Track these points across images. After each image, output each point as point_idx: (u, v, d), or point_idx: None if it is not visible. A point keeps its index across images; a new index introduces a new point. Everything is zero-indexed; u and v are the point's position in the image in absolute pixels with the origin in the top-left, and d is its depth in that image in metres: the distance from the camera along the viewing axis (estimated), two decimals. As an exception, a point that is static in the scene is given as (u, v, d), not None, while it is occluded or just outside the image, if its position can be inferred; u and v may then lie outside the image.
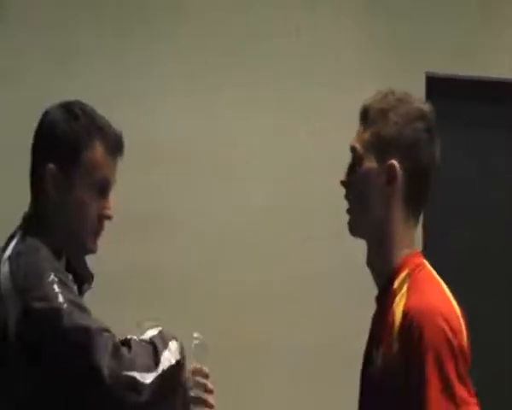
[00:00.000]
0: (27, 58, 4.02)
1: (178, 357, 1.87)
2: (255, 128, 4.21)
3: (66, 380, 1.75)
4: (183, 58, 4.18)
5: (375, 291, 1.93)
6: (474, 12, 4.50)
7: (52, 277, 1.77)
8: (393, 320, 1.73)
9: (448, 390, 1.64)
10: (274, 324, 4.12)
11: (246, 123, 4.20)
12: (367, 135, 1.84)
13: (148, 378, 1.74)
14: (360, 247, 1.97)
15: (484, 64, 4.46)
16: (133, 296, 3.97)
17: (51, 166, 1.90)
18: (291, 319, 4.11)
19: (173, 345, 1.89)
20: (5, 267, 1.84)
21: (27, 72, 4.00)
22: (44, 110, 1.99)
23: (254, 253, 4.15)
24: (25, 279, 1.79)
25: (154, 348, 1.81)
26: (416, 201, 1.86)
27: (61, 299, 1.74)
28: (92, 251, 1.98)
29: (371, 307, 1.95)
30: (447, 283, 1.86)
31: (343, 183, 1.88)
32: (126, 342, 1.80)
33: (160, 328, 1.94)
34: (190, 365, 2.03)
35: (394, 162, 1.80)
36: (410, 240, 1.85)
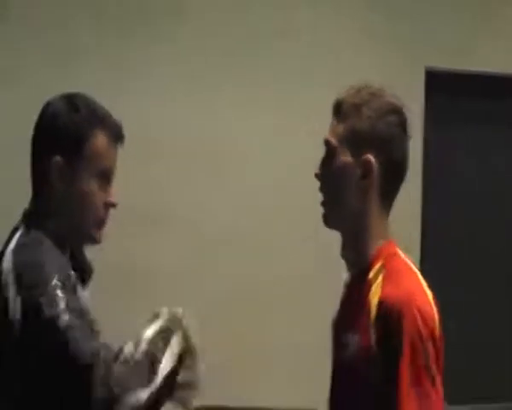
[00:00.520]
0: (27, 58, 4.03)
1: (176, 351, 1.86)
2: (255, 127, 4.23)
3: (54, 395, 1.75)
4: (184, 58, 4.20)
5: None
6: (473, 8, 4.51)
7: (55, 281, 1.76)
8: (370, 309, 1.77)
9: (417, 381, 1.70)
10: (274, 321, 4.13)
11: (245, 122, 4.23)
12: (341, 129, 1.87)
13: (141, 397, 1.74)
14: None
15: (483, 59, 4.48)
16: (132, 290, 3.99)
17: (57, 158, 1.90)
18: (291, 318, 4.12)
19: (175, 339, 1.87)
20: (8, 260, 1.84)
21: (27, 72, 4.01)
22: (45, 102, 1.99)
23: (254, 251, 4.18)
24: (29, 276, 1.78)
25: (150, 364, 1.80)
26: (389, 193, 1.89)
27: (62, 305, 1.74)
28: (98, 241, 1.98)
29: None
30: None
31: (317, 175, 1.91)
32: (120, 360, 1.79)
33: (170, 316, 1.92)
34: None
35: (370, 157, 1.83)
36: (385, 231, 1.89)
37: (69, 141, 1.91)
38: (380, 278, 1.80)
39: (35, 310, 1.74)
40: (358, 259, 1.88)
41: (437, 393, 1.72)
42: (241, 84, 4.24)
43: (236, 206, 4.17)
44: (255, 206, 4.17)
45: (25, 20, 4.03)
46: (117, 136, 1.97)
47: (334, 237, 1.96)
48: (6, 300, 1.79)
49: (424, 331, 1.72)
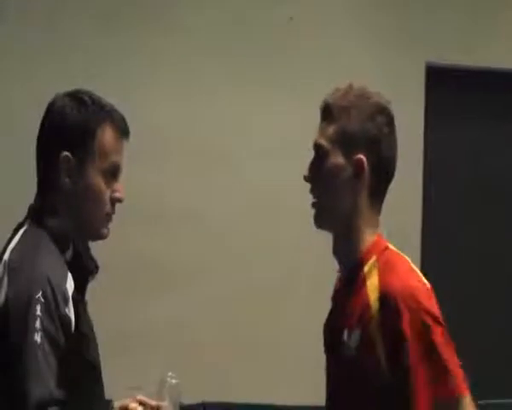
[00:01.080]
0: (27, 58, 4.03)
1: None
2: (257, 126, 4.24)
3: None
4: (184, 53, 4.20)
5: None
6: (474, 2, 4.50)
7: (39, 295, 1.75)
8: (369, 304, 1.81)
9: (433, 354, 1.76)
10: (278, 316, 4.14)
11: (248, 121, 4.23)
12: (331, 131, 1.91)
13: None
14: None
15: (484, 54, 4.45)
16: (140, 288, 4.01)
17: (66, 154, 1.91)
18: (295, 314, 4.13)
19: None
20: (6, 258, 1.85)
21: (27, 71, 4.01)
22: (51, 100, 1.99)
23: (259, 247, 4.19)
24: (16, 283, 1.79)
25: None
26: (379, 191, 1.94)
27: (38, 325, 1.74)
28: (105, 236, 1.98)
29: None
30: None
31: (307, 178, 1.94)
32: None
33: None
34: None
35: (362, 156, 1.88)
36: (375, 227, 1.94)
37: (77, 136, 1.92)
38: (375, 273, 1.85)
39: (10, 318, 1.75)
40: (350, 257, 1.92)
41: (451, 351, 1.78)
42: (242, 83, 4.24)
43: (243, 202, 4.18)
44: (261, 203, 4.19)
45: (24, 20, 4.03)
46: (124, 130, 1.98)
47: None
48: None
49: (430, 314, 1.77)
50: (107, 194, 1.95)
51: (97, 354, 1.97)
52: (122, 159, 1.99)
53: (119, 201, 1.98)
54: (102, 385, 2.00)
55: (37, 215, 1.93)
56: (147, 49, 4.15)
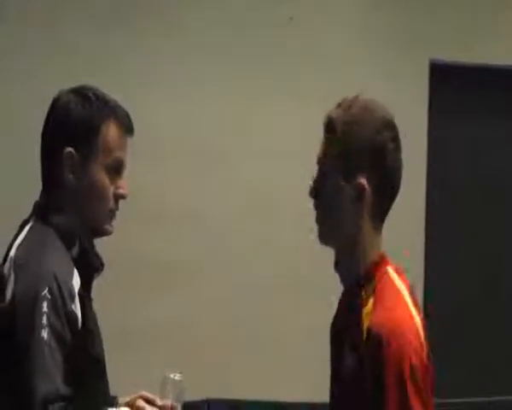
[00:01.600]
0: (27, 58, 4.03)
1: None
2: (259, 125, 4.24)
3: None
4: (183, 53, 4.20)
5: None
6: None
7: (45, 292, 1.76)
8: (362, 333, 1.79)
9: (405, 404, 1.71)
10: (280, 313, 4.15)
11: (249, 119, 4.23)
12: (333, 149, 1.86)
13: None
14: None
15: (488, 51, 4.44)
16: (142, 286, 4.01)
17: (70, 150, 1.90)
18: (300, 310, 4.14)
19: None
20: (12, 254, 1.85)
21: (27, 71, 4.00)
22: (55, 96, 1.99)
23: (261, 243, 4.20)
24: (23, 280, 1.79)
25: None
26: (382, 211, 1.89)
27: (44, 321, 1.74)
28: (110, 232, 1.98)
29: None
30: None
31: (311, 193, 1.90)
32: None
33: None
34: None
35: (363, 181, 1.83)
36: (377, 246, 1.90)
37: (81, 132, 1.91)
38: (370, 302, 1.82)
39: (17, 315, 1.75)
40: (352, 274, 1.89)
41: None
42: (242, 83, 4.25)
43: (243, 201, 4.19)
44: (259, 202, 4.19)
45: (24, 20, 4.03)
46: (128, 127, 1.97)
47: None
48: (6, 290, 1.80)
49: (413, 358, 1.73)
50: (111, 190, 1.94)
51: (102, 350, 1.97)
52: (126, 155, 1.98)
53: (123, 197, 1.98)
54: (107, 381, 2.00)
55: (42, 212, 1.92)
56: (147, 48, 4.15)
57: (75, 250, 1.95)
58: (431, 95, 4.41)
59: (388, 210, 1.91)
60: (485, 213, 4.62)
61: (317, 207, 1.91)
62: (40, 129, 1.98)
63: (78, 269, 1.88)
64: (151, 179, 4.04)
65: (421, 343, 1.77)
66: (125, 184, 1.98)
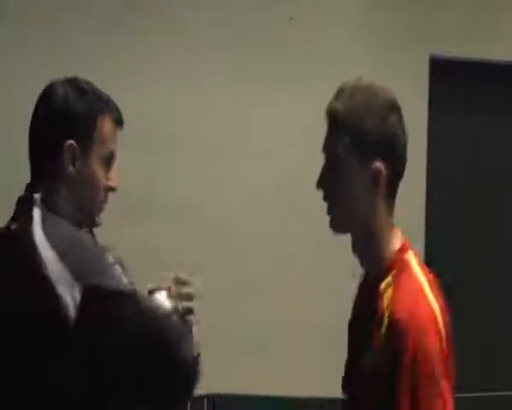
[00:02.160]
0: (27, 58, 4.03)
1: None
2: (260, 120, 4.24)
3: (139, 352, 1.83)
4: (183, 53, 4.20)
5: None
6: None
7: (111, 258, 1.82)
8: (383, 322, 1.80)
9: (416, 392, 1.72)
10: (281, 309, 4.14)
11: (249, 115, 4.24)
12: (343, 137, 1.86)
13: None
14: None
15: (488, 46, 4.44)
16: (140, 282, 4.00)
17: (71, 142, 1.90)
18: (294, 308, 4.13)
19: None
20: (47, 251, 1.79)
21: (27, 71, 4.00)
22: (48, 86, 2.00)
23: (260, 242, 4.19)
24: (82, 262, 1.79)
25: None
26: (393, 192, 1.92)
27: (125, 280, 1.82)
28: (99, 224, 1.99)
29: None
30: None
31: (319, 186, 1.90)
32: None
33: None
34: None
35: (379, 165, 1.85)
36: (391, 227, 1.91)
37: (81, 125, 1.92)
38: (390, 292, 1.83)
39: (111, 290, 1.79)
40: (371, 262, 1.91)
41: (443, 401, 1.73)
42: (242, 83, 4.25)
43: (241, 193, 4.19)
44: (258, 199, 4.20)
45: (24, 20, 4.03)
46: (119, 120, 1.99)
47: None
48: (56, 292, 1.76)
49: (429, 347, 1.74)
50: (103, 182, 1.96)
51: None
52: (117, 148, 2.00)
53: (113, 189, 1.99)
54: None
55: (50, 203, 1.89)
56: (147, 48, 4.16)
57: None
58: (431, 90, 4.41)
59: (397, 190, 1.92)
60: (485, 208, 4.62)
61: (327, 198, 1.91)
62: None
63: None
64: (149, 175, 4.06)
65: (438, 330, 1.77)
66: (115, 176, 1.99)
